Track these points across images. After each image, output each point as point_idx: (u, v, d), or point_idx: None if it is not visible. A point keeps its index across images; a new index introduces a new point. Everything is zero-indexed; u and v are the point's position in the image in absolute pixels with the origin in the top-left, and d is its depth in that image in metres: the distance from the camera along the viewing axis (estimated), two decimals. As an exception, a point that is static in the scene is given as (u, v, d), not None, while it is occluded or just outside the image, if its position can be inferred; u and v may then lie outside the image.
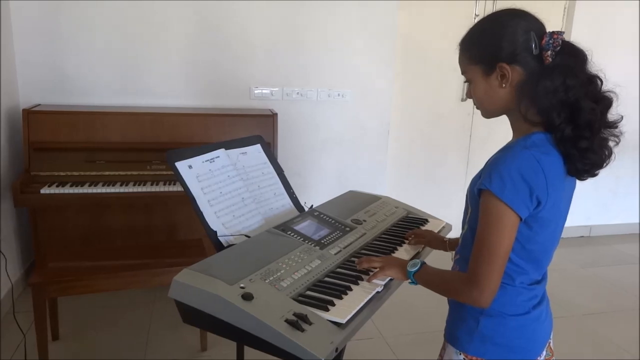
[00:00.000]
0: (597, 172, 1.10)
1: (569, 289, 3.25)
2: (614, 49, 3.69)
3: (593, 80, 1.07)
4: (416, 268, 1.21)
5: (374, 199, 1.87)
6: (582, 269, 3.63)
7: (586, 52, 1.08)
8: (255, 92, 3.29)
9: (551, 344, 1.24)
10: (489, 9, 3.52)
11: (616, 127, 1.09)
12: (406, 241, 1.58)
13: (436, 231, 1.70)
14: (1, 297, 2.61)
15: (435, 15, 3.51)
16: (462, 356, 1.17)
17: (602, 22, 3.74)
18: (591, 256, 3.88)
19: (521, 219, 1.04)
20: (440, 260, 1.54)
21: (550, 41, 1.05)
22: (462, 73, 1.18)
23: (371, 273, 1.28)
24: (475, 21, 1.17)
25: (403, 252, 1.51)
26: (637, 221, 4.31)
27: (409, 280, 1.22)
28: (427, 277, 1.19)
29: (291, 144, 3.36)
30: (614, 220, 4.28)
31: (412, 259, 1.49)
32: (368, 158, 3.57)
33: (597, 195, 4.08)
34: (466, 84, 1.18)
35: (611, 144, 1.09)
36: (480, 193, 1.07)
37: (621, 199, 4.22)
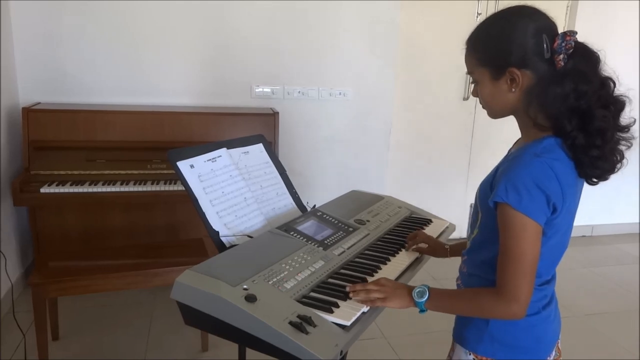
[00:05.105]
0: (608, 176, 1.07)
1: (571, 289, 3.24)
2: (617, 48, 3.66)
3: (605, 83, 1.04)
4: (425, 298, 1.11)
5: (377, 198, 1.86)
6: (584, 268, 3.61)
7: (599, 54, 1.04)
8: (257, 90, 3.27)
9: (559, 344, 1.23)
10: (491, 7, 3.50)
11: (628, 130, 1.06)
12: (407, 247, 1.52)
13: (440, 231, 1.69)
14: (1, 297, 2.59)
15: (437, 14, 3.49)
16: (471, 356, 1.16)
17: (605, 20, 3.71)
18: (593, 256, 3.86)
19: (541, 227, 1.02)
20: (440, 262, 1.51)
21: (563, 43, 1.01)
22: (469, 73, 1.14)
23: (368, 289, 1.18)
24: (483, 19, 1.13)
25: (405, 256, 1.47)
26: (639, 221, 4.30)
27: (419, 310, 1.14)
28: (440, 303, 1.12)
29: (292, 143, 3.34)
30: (616, 219, 4.27)
31: (412, 264, 1.46)
32: (370, 157, 3.55)
33: (600, 194, 4.04)
34: (472, 82, 1.15)
35: (622, 147, 1.06)
36: (496, 206, 1.04)
37: (623, 198, 4.20)
